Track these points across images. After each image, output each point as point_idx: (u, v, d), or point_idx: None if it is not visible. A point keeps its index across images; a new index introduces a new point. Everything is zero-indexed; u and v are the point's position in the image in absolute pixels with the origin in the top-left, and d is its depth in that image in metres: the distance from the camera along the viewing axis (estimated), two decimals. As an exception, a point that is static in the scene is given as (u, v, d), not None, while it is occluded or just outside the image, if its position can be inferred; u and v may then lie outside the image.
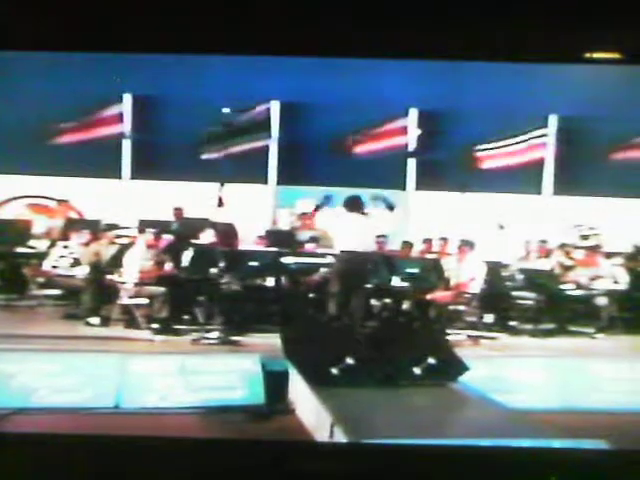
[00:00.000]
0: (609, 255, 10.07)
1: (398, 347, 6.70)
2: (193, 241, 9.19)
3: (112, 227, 10.14)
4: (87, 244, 9.28)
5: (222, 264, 8.47)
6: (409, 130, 12.56)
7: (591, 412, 6.75)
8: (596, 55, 5.06)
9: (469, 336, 8.63)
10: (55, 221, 10.82)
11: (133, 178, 12.34)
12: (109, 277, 8.65)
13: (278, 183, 12.59)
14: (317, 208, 8.36)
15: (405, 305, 9.16)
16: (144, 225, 9.46)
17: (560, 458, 4.62)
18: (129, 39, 5.07)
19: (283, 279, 9.11)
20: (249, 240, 10.13)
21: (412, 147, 12.59)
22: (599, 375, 7.28)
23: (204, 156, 11.53)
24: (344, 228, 8.10)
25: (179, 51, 5.76)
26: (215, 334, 8.01)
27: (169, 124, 11.98)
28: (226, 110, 11.52)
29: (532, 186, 12.40)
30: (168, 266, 8.78)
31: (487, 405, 6.06)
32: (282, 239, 10.20)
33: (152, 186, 11.95)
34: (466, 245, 9.53)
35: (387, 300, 9.17)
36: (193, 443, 4.91)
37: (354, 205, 8.17)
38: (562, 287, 9.57)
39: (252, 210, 11.54)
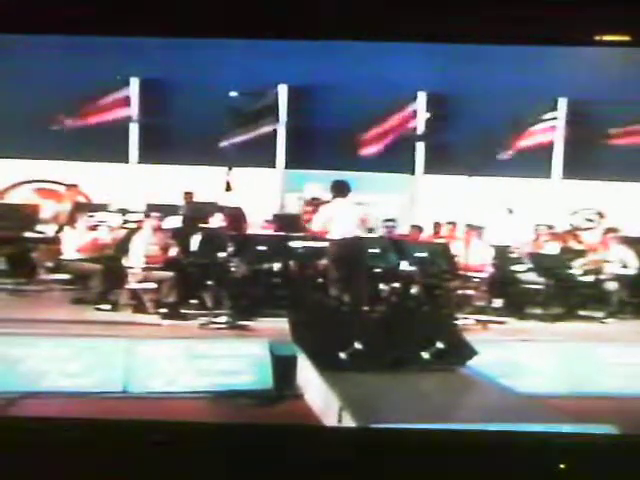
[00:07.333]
0: (619, 239, 9.99)
1: (406, 332, 6.69)
2: (201, 225, 9.17)
3: (120, 211, 10.13)
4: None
5: (230, 248, 8.47)
6: (418, 114, 12.49)
7: (600, 397, 6.72)
8: (606, 37, 5.01)
9: (478, 320, 8.62)
10: (63, 206, 10.81)
11: (140, 162, 12.32)
12: (118, 262, 8.67)
13: (286, 167, 12.55)
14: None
15: (413, 289, 9.13)
16: (151, 209, 9.46)
17: (569, 443, 4.61)
18: (135, 23, 5.04)
19: (291, 263, 9.09)
20: (257, 224, 10.10)
21: (421, 131, 12.52)
22: (608, 360, 7.25)
23: (212, 140, 11.50)
24: (335, 213, 8.16)
25: (186, 35, 5.71)
26: (223, 318, 8.02)
27: (176, 108, 11.95)
28: (234, 94, 11.48)
29: (541, 170, 12.33)
30: (176, 250, 8.77)
31: (495, 390, 6.06)
32: (290, 223, 10.18)
33: (159, 170, 11.93)
34: (475, 229, 9.51)
35: (395, 284, 9.15)
36: (201, 427, 4.92)
37: (340, 190, 8.24)
38: (571, 271, 9.52)
39: (260, 194, 11.51)
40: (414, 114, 12.47)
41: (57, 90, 11.07)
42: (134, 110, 12.26)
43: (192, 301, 8.64)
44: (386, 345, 6.44)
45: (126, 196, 11.03)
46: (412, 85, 12.16)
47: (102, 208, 10.19)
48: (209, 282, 8.48)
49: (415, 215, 11.64)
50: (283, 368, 6.70)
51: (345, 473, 4.21)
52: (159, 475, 4.23)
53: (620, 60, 9.87)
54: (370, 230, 9.37)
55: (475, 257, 9.28)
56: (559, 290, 9.29)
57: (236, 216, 9.47)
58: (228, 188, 9.25)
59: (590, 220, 11.57)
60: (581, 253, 9.99)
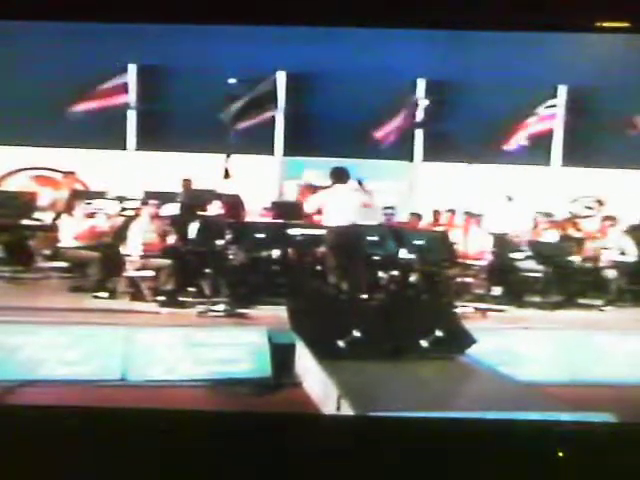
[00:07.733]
0: (618, 227, 9.97)
1: (405, 320, 6.68)
2: (199, 213, 9.14)
3: (118, 199, 10.10)
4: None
5: (228, 236, 8.44)
6: (418, 101, 12.44)
7: (598, 385, 6.72)
8: (606, 24, 4.98)
9: (477, 309, 8.60)
10: (60, 193, 10.77)
11: (138, 149, 12.28)
12: (116, 249, 8.65)
13: (285, 154, 12.51)
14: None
15: (412, 277, 9.12)
16: (149, 197, 9.43)
17: (567, 430, 4.60)
18: (134, 9, 5.00)
19: (290, 251, 9.07)
20: (256, 212, 10.07)
21: (420, 118, 12.48)
22: (607, 348, 7.26)
23: (210, 127, 11.45)
24: (332, 199, 8.14)
25: (184, 21, 5.67)
26: (221, 306, 8.00)
27: (174, 94, 11.90)
28: (232, 81, 11.43)
29: (541, 158, 12.31)
30: (174, 238, 8.75)
31: (494, 378, 6.05)
32: (289, 211, 10.14)
33: (157, 157, 11.90)
34: (474, 217, 9.49)
35: (394, 272, 9.14)
36: (199, 415, 4.92)
37: (339, 176, 8.21)
38: (570, 259, 9.51)
39: (259, 181, 11.47)
40: (415, 103, 12.42)
41: (55, 77, 11.02)
42: (132, 97, 12.21)
43: (190, 289, 8.62)
44: (385, 333, 6.42)
45: (124, 183, 10.99)
46: (411, 72, 12.12)
47: (100, 195, 10.17)
48: (207, 270, 8.46)
49: (414, 203, 11.62)
50: (281, 356, 6.69)
51: (344, 461, 4.20)
52: (158, 463, 4.22)
53: (620, 47, 9.83)
54: (371, 216, 9.34)
55: (474, 245, 9.27)
56: (558, 278, 9.27)
57: (234, 204, 9.43)
58: (226, 175, 9.19)
59: (589, 208, 11.54)
60: (580, 241, 9.98)
